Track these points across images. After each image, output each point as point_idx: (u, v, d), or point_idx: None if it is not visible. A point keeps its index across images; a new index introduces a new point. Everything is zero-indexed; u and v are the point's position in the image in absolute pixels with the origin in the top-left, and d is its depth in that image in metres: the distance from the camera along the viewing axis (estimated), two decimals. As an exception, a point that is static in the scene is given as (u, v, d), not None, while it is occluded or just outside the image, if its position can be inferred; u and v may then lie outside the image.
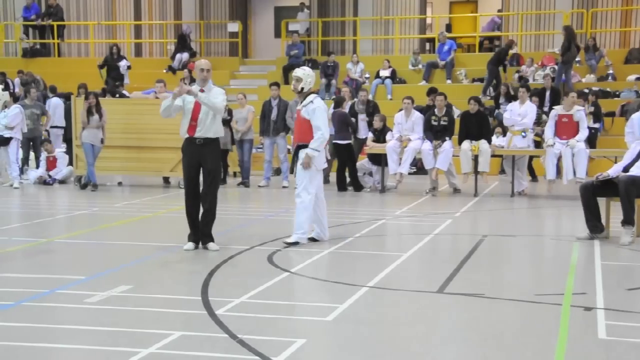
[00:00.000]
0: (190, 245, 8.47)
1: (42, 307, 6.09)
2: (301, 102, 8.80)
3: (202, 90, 8.33)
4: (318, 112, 8.63)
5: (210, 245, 8.46)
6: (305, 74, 8.79)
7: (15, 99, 17.30)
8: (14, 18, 25.26)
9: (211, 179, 8.42)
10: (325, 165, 8.93)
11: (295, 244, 8.69)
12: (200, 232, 8.52)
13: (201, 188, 8.52)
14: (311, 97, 8.75)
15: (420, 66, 21.38)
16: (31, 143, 16.29)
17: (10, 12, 25.59)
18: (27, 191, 14.64)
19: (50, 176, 15.69)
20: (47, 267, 7.66)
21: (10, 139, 15.03)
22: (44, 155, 16.04)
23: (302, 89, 8.75)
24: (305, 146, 8.68)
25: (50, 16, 24.10)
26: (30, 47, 24.23)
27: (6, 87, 18.90)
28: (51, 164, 15.84)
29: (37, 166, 16.18)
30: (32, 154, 16.59)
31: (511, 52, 20.09)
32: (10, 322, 5.66)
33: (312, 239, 8.94)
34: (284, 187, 14.87)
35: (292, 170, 9.14)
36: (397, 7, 22.97)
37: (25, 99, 16.54)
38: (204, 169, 8.41)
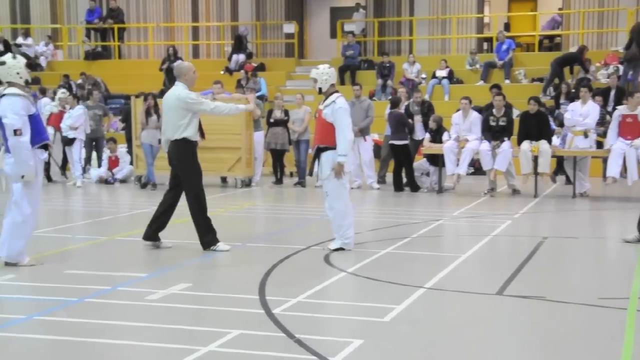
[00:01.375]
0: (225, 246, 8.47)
1: (104, 304, 6.21)
2: (323, 101, 8.34)
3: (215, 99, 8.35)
4: (341, 113, 8.13)
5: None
6: (319, 74, 8.31)
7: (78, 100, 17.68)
8: (77, 21, 25.84)
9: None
10: (351, 169, 8.58)
11: (341, 249, 8.38)
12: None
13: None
14: (333, 96, 8.23)
15: (477, 66, 21.13)
16: (94, 143, 16.63)
17: (73, 15, 26.17)
18: (89, 190, 14.96)
19: (111, 175, 15.99)
20: (109, 264, 7.80)
21: (74, 139, 15.38)
22: (105, 154, 16.37)
23: (320, 89, 8.32)
24: (327, 148, 8.24)
25: (111, 19, 24.59)
26: (92, 49, 24.75)
27: (69, 89, 19.37)
28: (112, 163, 16.14)
29: (99, 166, 16.52)
30: (94, 154, 16.94)
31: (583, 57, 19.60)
32: (74, 318, 5.78)
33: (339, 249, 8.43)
34: (340, 187, 14.84)
35: (310, 173, 8.95)
36: (454, 7, 22.74)
37: (88, 101, 16.95)
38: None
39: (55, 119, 15.83)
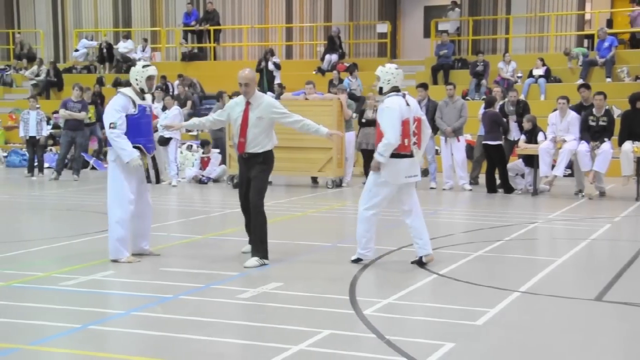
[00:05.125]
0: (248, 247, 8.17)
1: (198, 301, 6.33)
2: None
3: (248, 103, 7.80)
4: (386, 113, 7.48)
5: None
6: (384, 72, 7.66)
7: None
8: (175, 24, 26.55)
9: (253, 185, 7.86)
10: (405, 181, 7.63)
11: (358, 260, 7.78)
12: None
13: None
14: (387, 98, 7.64)
15: (578, 64, 20.49)
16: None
17: (172, 18, 26.91)
18: (183, 189, 15.32)
19: (204, 175, 16.32)
20: (202, 262, 7.95)
21: (170, 139, 15.77)
22: (199, 154, 16.72)
23: (381, 88, 7.69)
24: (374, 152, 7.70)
25: (207, 21, 25.15)
26: (189, 51, 25.37)
27: (166, 90, 19.89)
28: (205, 163, 16.49)
29: (193, 165, 16.89)
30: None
31: None
32: (169, 315, 5.92)
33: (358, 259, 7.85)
34: (431, 188, 14.71)
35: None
36: (553, 3, 22.15)
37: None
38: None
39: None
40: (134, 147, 7.81)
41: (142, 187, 8.07)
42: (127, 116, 7.79)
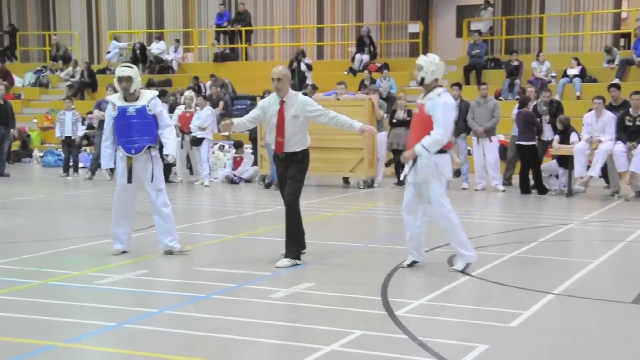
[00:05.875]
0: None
1: (230, 301, 6.35)
2: (424, 95, 7.41)
3: (283, 102, 7.80)
4: (444, 109, 7.19)
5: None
6: (427, 62, 7.31)
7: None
8: (207, 25, 26.71)
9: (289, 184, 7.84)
10: (450, 175, 7.56)
11: (466, 267, 7.46)
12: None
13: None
14: (439, 90, 7.33)
15: (614, 63, 20.20)
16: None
17: (204, 19, 27.07)
18: (215, 189, 15.40)
19: (236, 175, 16.38)
20: (234, 262, 7.97)
21: (202, 139, 15.85)
22: (231, 155, 16.79)
23: (423, 79, 7.33)
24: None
25: (239, 22, 25.26)
26: (221, 52, 25.50)
27: (198, 91, 20.01)
28: (237, 163, 16.55)
29: (225, 166, 16.97)
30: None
31: None
32: (202, 314, 5.95)
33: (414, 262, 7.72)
34: (463, 188, 14.61)
35: (399, 180, 7.56)
36: (589, 2, 21.87)
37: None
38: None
39: (183, 120, 16.22)
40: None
41: (148, 186, 8.18)
42: (113, 119, 8.17)
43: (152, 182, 8.15)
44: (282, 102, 7.81)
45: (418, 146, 7.23)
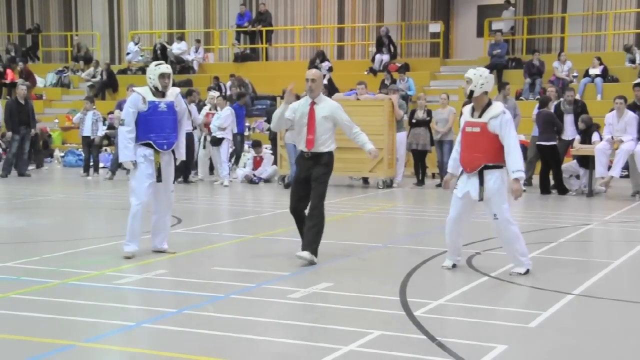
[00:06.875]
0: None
1: (249, 301, 6.37)
2: (482, 111, 7.21)
3: (313, 103, 7.91)
4: (512, 125, 7.14)
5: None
6: (476, 75, 7.19)
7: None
8: (228, 25, 26.79)
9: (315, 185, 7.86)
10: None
11: (527, 272, 7.32)
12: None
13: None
14: (499, 107, 7.20)
15: (636, 62, 20.00)
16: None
17: (225, 19, 27.17)
18: (235, 189, 15.44)
19: (256, 175, 16.41)
20: (253, 262, 8.00)
21: (222, 139, 15.89)
22: (251, 154, 16.83)
23: (472, 92, 7.20)
24: (495, 167, 7.16)
25: (260, 22, 25.32)
26: (241, 52, 25.57)
27: (219, 91, 20.06)
28: (257, 163, 16.58)
29: (244, 166, 17.00)
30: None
31: None
32: (221, 314, 5.98)
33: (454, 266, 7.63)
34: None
35: (481, 197, 7.14)
36: (612, 1, 21.68)
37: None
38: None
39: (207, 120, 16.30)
40: (145, 143, 8.03)
41: (159, 185, 8.15)
42: (139, 113, 8.03)
43: (173, 181, 8.28)
44: (312, 103, 7.95)
45: (518, 173, 7.02)
